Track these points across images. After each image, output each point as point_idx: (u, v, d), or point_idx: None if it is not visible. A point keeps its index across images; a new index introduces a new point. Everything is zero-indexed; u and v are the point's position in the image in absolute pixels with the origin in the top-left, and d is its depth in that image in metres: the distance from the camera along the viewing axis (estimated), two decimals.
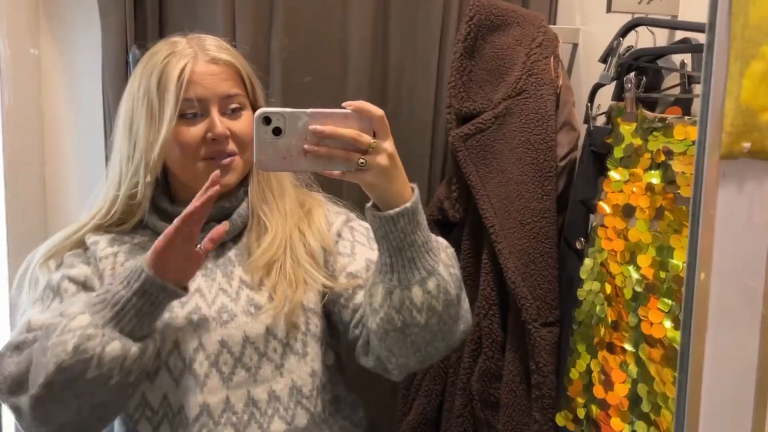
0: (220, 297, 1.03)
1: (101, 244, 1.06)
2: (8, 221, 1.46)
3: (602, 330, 1.02)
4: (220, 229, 0.95)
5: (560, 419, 1.14)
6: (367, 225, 1.11)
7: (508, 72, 1.34)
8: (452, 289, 0.89)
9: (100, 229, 1.08)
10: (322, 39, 1.44)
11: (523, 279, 1.26)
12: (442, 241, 0.95)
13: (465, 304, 0.95)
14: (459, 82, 1.34)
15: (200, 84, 1.00)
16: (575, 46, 1.46)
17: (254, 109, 1.05)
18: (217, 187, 0.88)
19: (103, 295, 0.92)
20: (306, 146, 0.82)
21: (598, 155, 1.18)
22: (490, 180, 1.31)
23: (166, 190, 1.08)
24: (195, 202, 0.88)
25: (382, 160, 0.83)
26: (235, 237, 1.07)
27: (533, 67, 1.32)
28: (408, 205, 0.85)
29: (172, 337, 1.00)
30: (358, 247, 1.08)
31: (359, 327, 1.01)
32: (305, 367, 1.04)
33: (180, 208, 0.99)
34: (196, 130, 1.00)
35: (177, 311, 1.01)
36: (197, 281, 1.04)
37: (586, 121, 1.25)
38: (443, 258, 0.91)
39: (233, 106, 1.03)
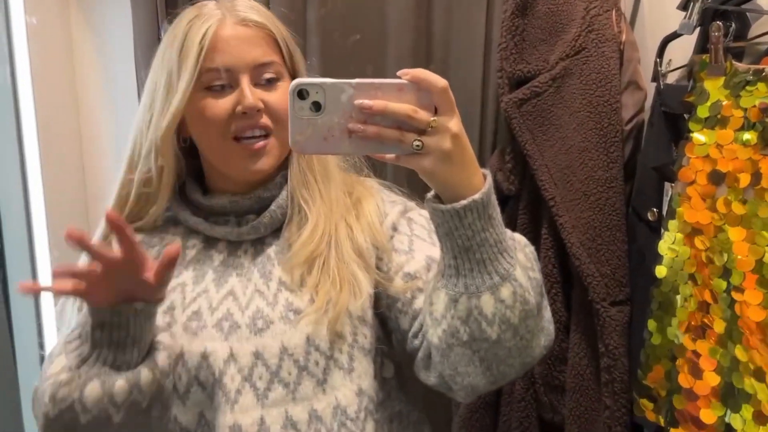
0: (255, 300, 0.89)
1: None
2: (48, 206, 1.42)
3: (687, 312, 0.92)
4: (172, 250, 0.76)
5: (638, 409, 1.05)
6: (428, 215, 0.99)
7: (565, 29, 1.22)
8: (531, 297, 0.74)
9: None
10: (361, 4, 1.34)
11: (588, 255, 1.16)
12: (519, 239, 0.79)
13: (546, 313, 0.80)
14: (511, 43, 1.23)
15: (227, 51, 0.87)
16: None
17: (293, 80, 0.96)
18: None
19: (76, 330, 0.82)
20: (350, 125, 0.68)
21: (670, 116, 1.07)
22: (549, 148, 1.21)
23: (199, 179, 0.97)
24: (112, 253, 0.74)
25: (443, 142, 0.68)
26: (275, 231, 0.94)
27: (593, 23, 1.20)
28: (477, 196, 0.70)
29: (200, 348, 0.87)
30: (417, 243, 0.92)
31: (419, 337, 0.87)
32: (351, 384, 0.88)
33: (212, 201, 0.92)
34: (223, 103, 0.87)
35: (206, 318, 0.89)
36: (231, 282, 0.92)
37: (655, 79, 1.14)
38: (521, 259, 0.75)
39: (268, 75, 0.89)
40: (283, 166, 0.94)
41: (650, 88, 1.19)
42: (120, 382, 0.79)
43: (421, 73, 0.67)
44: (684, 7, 1.03)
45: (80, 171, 1.53)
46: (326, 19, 1.33)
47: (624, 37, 1.22)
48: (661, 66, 1.12)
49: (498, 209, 0.73)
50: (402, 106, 0.67)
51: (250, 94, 0.86)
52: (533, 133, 1.22)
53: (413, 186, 1.04)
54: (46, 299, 1.49)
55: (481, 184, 0.71)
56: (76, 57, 1.48)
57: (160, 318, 0.87)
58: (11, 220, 1.46)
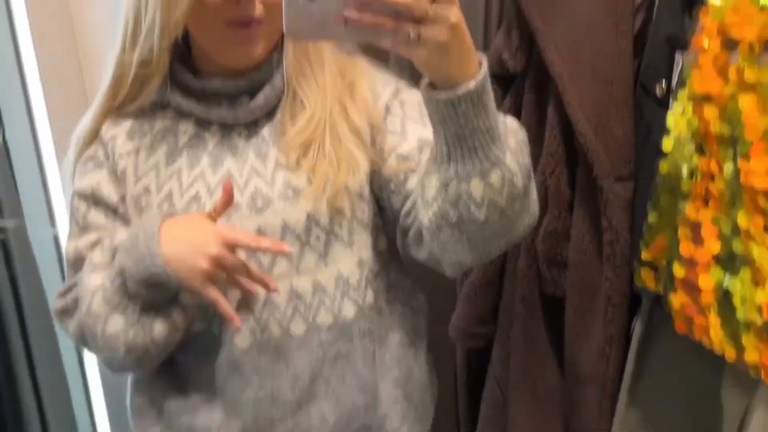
0: (253, 180, 0.92)
1: (119, 140, 0.95)
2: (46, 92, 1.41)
3: (692, 183, 0.93)
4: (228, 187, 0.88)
5: (638, 279, 1.09)
6: (419, 97, 0.98)
7: None
8: (519, 180, 0.77)
9: (115, 113, 0.96)
10: None
11: (595, 132, 1.16)
12: (511, 124, 0.81)
13: (532, 195, 0.83)
14: None
15: None
16: None
17: None
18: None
19: (119, 289, 0.87)
20: (346, 12, 0.67)
21: None
22: (557, 23, 1.18)
23: (187, 62, 0.95)
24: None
25: (440, 33, 0.67)
26: (268, 113, 0.95)
27: None
28: (472, 86, 0.70)
29: None
30: (409, 125, 0.94)
31: (410, 216, 0.90)
32: (352, 256, 0.94)
33: (204, 83, 0.91)
34: None
35: (205, 201, 0.91)
36: (227, 164, 0.93)
37: None
38: (511, 144, 0.77)
39: None
40: (276, 49, 0.93)
41: None
42: (175, 312, 0.89)
43: None
44: None
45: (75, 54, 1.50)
46: None
47: None
48: None
49: (492, 96, 0.74)
50: None
51: None
52: (540, 7, 1.18)
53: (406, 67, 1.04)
54: None
55: (476, 71, 0.71)
56: None
57: (159, 209, 0.91)
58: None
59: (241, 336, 0.92)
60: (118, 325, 0.86)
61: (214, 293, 0.83)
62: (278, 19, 0.84)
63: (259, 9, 0.86)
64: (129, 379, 1.07)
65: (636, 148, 1.16)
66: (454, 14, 0.67)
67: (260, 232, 0.90)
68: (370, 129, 0.94)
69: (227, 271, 0.83)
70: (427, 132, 0.88)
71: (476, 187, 0.74)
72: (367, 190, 0.94)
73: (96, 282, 0.88)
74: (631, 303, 1.20)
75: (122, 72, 0.92)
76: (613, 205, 1.17)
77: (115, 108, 0.96)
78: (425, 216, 0.80)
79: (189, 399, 0.99)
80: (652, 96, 1.12)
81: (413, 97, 0.96)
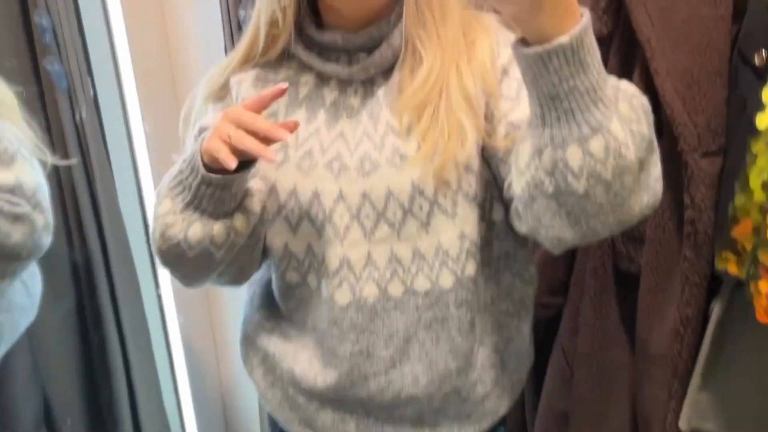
0: (364, 143, 0.92)
1: (244, 85, 0.99)
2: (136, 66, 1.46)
3: None
4: (275, 91, 0.84)
5: (720, 261, 1.03)
6: None
7: None
8: (631, 152, 0.68)
9: (247, 63, 1.00)
10: None
11: (683, 103, 1.09)
12: (626, 88, 0.72)
13: (655, 170, 0.74)
14: None
15: None
16: None
17: None
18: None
19: (178, 176, 0.89)
20: None
21: None
22: None
23: (313, 14, 0.96)
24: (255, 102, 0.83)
25: None
26: (385, 72, 0.93)
27: None
28: (565, 39, 0.63)
29: (312, 187, 0.93)
30: (524, 91, 0.83)
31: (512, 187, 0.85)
32: (454, 227, 0.91)
33: (326, 36, 0.92)
34: None
35: (317, 158, 0.93)
36: (341, 123, 0.94)
37: None
38: (623, 110, 0.69)
39: None
40: (397, 3, 0.91)
41: None
42: (218, 227, 0.88)
43: None
44: None
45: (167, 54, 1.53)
46: None
47: None
48: None
49: (596, 54, 0.66)
50: None
51: None
52: None
53: None
54: None
55: (573, 24, 0.64)
56: None
57: (273, 154, 0.89)
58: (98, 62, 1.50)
59: (341, 292, 0.94)
60: (165, 207, 0.90)
61: (218, 144, 0.82)
62: None
63: None
64: (240, 319, 1.14)
65: (728, 121, 1.08)
66: None
67: (365, 195, 0.91)
68: (484, 96, 0.90)
69: (236, 126, 0.82)
70: None
71: (573, 155, 0.67)
72: (476, 162, 0.91)
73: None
74: (711, 285, 1.14)
75: (255, 33, 0.96)
76: (698, 181, 1.10)
77: (249, 61, 1.00)
78: (518, 185, 0.76)
79: (290, 346, 1.04)
80: (750, 65, 1.04)
81: None
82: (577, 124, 0.67)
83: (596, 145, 0.67)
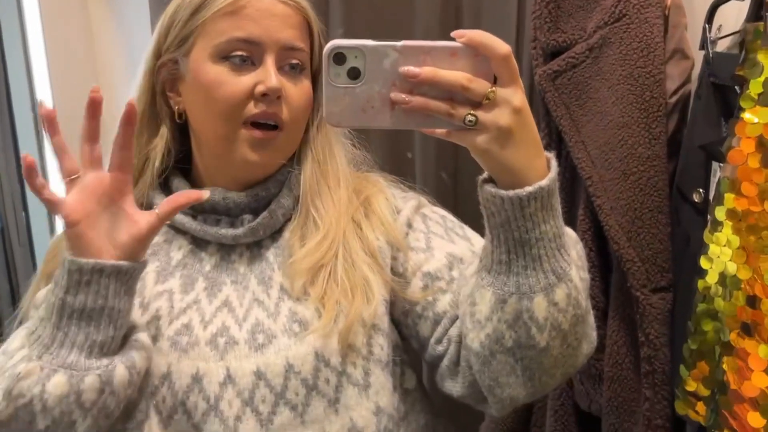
0: (254, 311, 0.79)
1: None
2: None
3: (735, 307, 0.85)
4: (194, 194, 0.72)
5: (680, 407, 0.99)
6: (443, 212, 0.88)
7: None
8: (583, 299, 0.66)
9: None
10: None
11: (628, 238, 1.09)
12: (570, 233, 0.70)
13: (591, 318, 0.71)
14: (545, 11, 1.15)
15: (259, 22, 0.77)
16: None
17: (314, 78, 0.84)
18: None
19: (40, 314, 0.70)
20: (393, 95, 0.59)
21: (720, 88, 0.98)
22: (586, 124, 1.13)
23: (186, 173, 0.86)
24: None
25: (502, 116, 0.59)
26: (274, 233, 0.84)
27: None
28: (545, 183, 0.61)
29: (191, 369, 0.76)
30: (435, 240, 0.83)
31: (444, 343, 0.79)
32: (367, 402, 0.78)
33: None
34: (242, 80, 0.77)
35: (198, 333, 0.78)
36: (225, 291, 0.81)
37: (703, 47, 1.04)
38: (574, 257, 0.67)
39: (293, 61, 0.80)
40: (289, 162, 0.85)
41: (698, 57, 1.09)
42: (90, 378, 0.68)
43: (480, 35, 0.58)
44: None
45: None
46: None
47: (669, 1, 1.12)
48: (710, 32, 1.02)
49: (559, 199, 0.65)
50: (454, 74, 0.58)
51: (274, 74, 0.77)
52: (569, 107, 1.14)
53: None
54: None
55: (543, 168, 0.62)
56: (93, 22, 1.45)
57: (144, 329, 0.78)
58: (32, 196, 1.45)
59: None
60: (18, 356, 0.69)
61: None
62: (295, 131, 0.81)
63: (286, 113, 0.79)
64: None
65: (674, 257, 1.09)
66: (518, 97, 0.59)
67: (259, 374, 0.76)
68: (389, 248, 0.83)
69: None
70: (455, 248, 0.82)
71: (539, 305, 0.64)
72: (385, 321, 0.81)
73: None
74: (675, 426, 1.09)
75: None
76: (650, 317, 1.08)
77: None
78: (476, 339, 0.69)
79: None
80: (689, 202, 1.05)
81: (435, 213, 0.88)
82: (544, 272, 0.64)
83: (560, 294, 0.64)
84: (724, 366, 0.85)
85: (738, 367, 0.82)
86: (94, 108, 0.67)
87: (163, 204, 0.71)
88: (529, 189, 0.61)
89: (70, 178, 0.68)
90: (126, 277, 0.70)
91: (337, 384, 0.77)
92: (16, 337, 0.73)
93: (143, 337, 0.75)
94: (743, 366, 0.81)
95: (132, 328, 0.75)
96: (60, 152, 0.68)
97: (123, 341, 0.73)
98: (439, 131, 0.61)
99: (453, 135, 0.61)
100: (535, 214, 0.62)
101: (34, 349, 0.69)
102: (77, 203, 0.68)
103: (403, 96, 0.59)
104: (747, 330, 0.82)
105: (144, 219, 0.71)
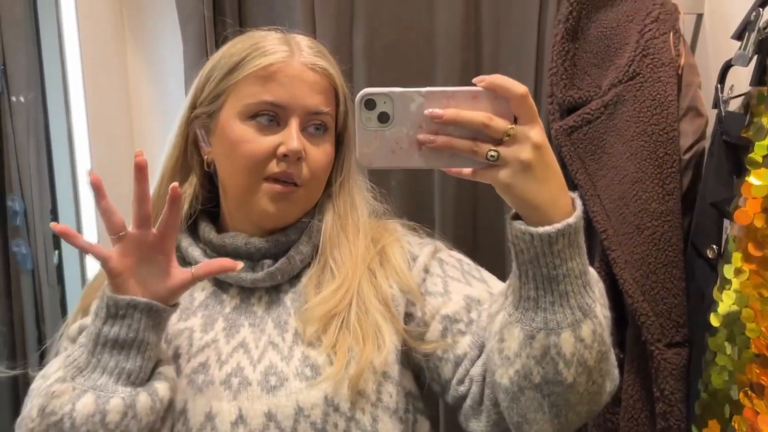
0: (268, 354, 0.82)
1: None
2: (101, 238, 1.47)
3: (745, 366, 0.85)
4: (228, 264, 0.76)
5: None
6: (459, 256, 0.90)
7: (618, 54, 1.16)
8: (606, 336, 0.69)
9: None
10: (408, 30, 1.33)
11: (642, 293, 1.09)
12: (593, 272, 0.72)
13: (613, 356, 0.73)
14: (561, 68, 1.18)
15: (287, 87, 0.82)
16: (700, 16, 1.26)
17: (338, 140, 0.89)
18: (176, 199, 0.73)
19: (80, 340, 0.76)
20: (420, 136, 0.63)
21: (732, 146, 0.99)
22: (601, 178, 1.15)
23: (210, 216, 0.90)
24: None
25: (522, 151, 0.62)
26: (293, 278, 0.88)
27: (648, 46, 1.14)
28: (572, 220, 0.64)
29: (205, 407, 0.79)
30: (452, 284, 0.85)
31: (465, 383, 0.80)
32: None
33: (227, 240, 0.86)
34: (266, 140, 0.82)
35: (214, 372, 0.81)
36: (242, 333, 0.84)
37: (716, 105, 1.06)
38: (597, 294, 0.69)
39: (316, 123, 0.84)
40: (308, 213, 0.89)
41: (712, 115, 1.11)
42: (115, 400, 0.72)
43: (498, 78, 0.62)
44: (738, 36, 0.95)
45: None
46: (373, 46, 1.32)
47: (683, 61, 1.15)
48: (722, 92, 1.04)
49: (584, 237, 0.67)
50: (476, 114, 0.62)
51: (297, 137, 0.82)
52: (584, 162, 1.17)
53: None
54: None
55: (568, 205, 0.65)
56: (131, 87, 1.53)
57: (170, 362, 0.82)
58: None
59: None
60: (53, 377, 0.75)
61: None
62: (315, 188, 0.85)
63: (305, 172, 0.83)
64: None
65: (689, 312, 1.09)
66: (537, 133, 0.62)
67: (270, 416, 0.78)
68: (402, 296, 0.85)
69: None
70: (472, 290, 0.84)
71: (566, 341, 0.65)
72: (395, 370, 0.82)
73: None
74: None
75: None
76: (665, 372, 1.08)
77: None
78: (504, 375, 0.70)
79: None
80: (703, 258, 1.06)
81: (452, 257, 0.90)
82: (571, 308, 0.66)
83: (587, 330, 0.66)
84: (735, 425, 0.85)
85: (748, 426, 0.82)
86: (140, 172, 0.72)
87: (200, 266, 0.76)
88: (557, 226, 0.63)
89: (118, 235, 0.73)
90: (156, 314, 0.74)
91: (345, 429, 0.78)
92: (55, 362, 0.78)
93: (168, 370, 0.79)
94: (753, 426, 0.81)
95: (159, 362, 0.79)
96: (107, 214, 0.73)
97: (150, 374, 0.77)
98: (465, 171, 0.65)
99: (478, 173, 0.65)
100: (563, 251, 0.64)
101: (68, 370, 0.74)
102: (122, 257, 0.73)
103: (429, 136, 0.63)
104: (756, 389, 0.82)
105: (179, 276, 0.75)
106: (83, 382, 0.73)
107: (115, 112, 1.51)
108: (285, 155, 0.81)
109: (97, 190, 0.72)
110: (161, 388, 0.76)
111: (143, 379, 0.75)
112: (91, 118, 1.43)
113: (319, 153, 0.85)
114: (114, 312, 0.73)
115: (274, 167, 0.82)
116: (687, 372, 1.08)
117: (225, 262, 0.78)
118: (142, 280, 0.74)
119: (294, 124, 0.82)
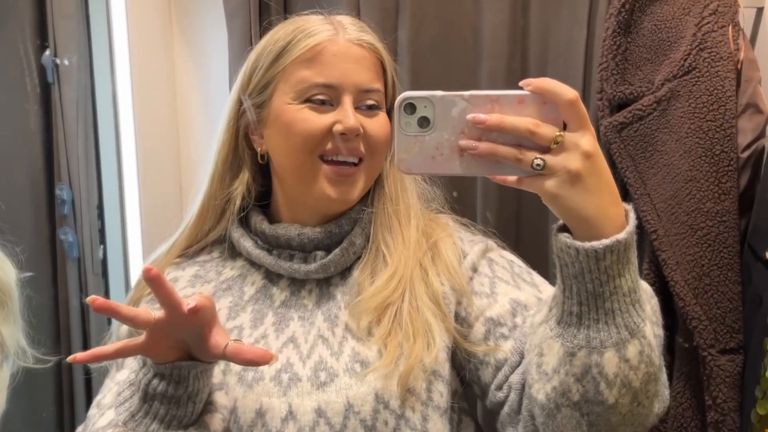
0: (318, 348, 0.80)
1: (180, 283, 0.87)
2: (145, 232, 1.49)
3: None
4: (265, 358, 0.66)
5: None
6: (511, 257, 0.88)
7: (673, 48, 1.12)
8: (656, 357, 0.64)
9: (185, 254, 0.90)
10: (453, 26, 1.31)
11: (695, 296, 1.05)
12: (646, 288, 0.68)
13: (663, 376, 0.68)
14: (612, 63, 1.15)
15: (336, 66, 0.80)
16: (760, 10, 1.21)
17: (389, 114, 0.86)
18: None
19: (132, 380, 0.73)
20: (462, 142, 0.60)
21: None
22: (652, 177, 1.11)
23: (263, 208, 0.89)
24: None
25: (571, 161, 0.58)
26: (344, 271, 0.85)
27: (705, 40, 1.09)
28: (622, 236, 0.59)
29: (255, 404, 0.77)
30: (499, 286, 0.82)
31: (504, 389, 0.77)
32: None
33: (280, 231, 0.84)
34: (322, 119, 0.80)
35: (263, 368, 0.79)
36: (292, 327, 0.83)
37: None
38: (648, 312, 0.65)
39: (370, 102, 0.82)
40: (362, 200, 0.87)
41: None
42: None
43: (546, 82, 0.58)
44: None
45: (177, 186, 1.58)
46: (418, 40, 1.30)
47: (742, 56, 1.10)
48: None
49: (636, 252, 0.62)
50: (521, 120, 0.58)
51: (352, 115, 0.80)
52: (635, 159, 1.13)
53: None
54: None
55: (620, 218, 0.60)
56: (178, 83, 1.55)
57: (219, 387, 0.80)
58: (110, 230, 1.53)
59: None
60: (105, 419, 0.74)
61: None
62: (375, 161, 0.83)
63: (365, 147, 0.82)
64: None
65: (745, 317, 1.04)
66: (588, 141, 0.58)
67: (320, 412, 0.76)
68: (453, 294, 0.82)
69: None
70: (520, 294, 0.81)
71: (610, 361, 0.61)
72: (446, 368, 0.80)
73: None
74: None
75: (202, 214, 0.89)
76: (718, 380, 1.03)
77: (191, 250, 0.90)
78: (541, 390, 0.66)
79: None
80: (761, 261, 1.01)
81: (503, 258, 0.87)
82: (617, 327, 0.62)
83: (633, 350, 0.62)
84: None
85: None
86: (156, 285, 0.65)
87: (236, 347, 0.68)
88: (606, 242, 0.59)
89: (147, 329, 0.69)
90: (201, 368, 0.71)
91: (395, 427, 0.76)
92: (108, 393, 0.78)
93: (220, 397, 0.77)
94: None
95: (210, 392, 0.77)
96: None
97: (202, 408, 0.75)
98: (510, 179, 0.61)
99: (523, 182, 0.60)
100: (611, 268, 0.60)
101: (121, 414, 0.72)
102: (157, 345, 0.69)
103: (472, 142, 0.60)
104: None
105: (221, 346, 0.68)
106: (135, 427, 0.71)
107: (161, 105, 1.53)
108: (342, 134, 0.80)
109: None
110: (215, 421, 0.74)
111: (194, 419, 0.73)
112: (137, 112, 1.45)
113: (377, 125, 0.83)
114: (161, 374, 0.70)
115: (331, 146, 0.81)
116: (741, 380, 1.03)
117: (261, 354, 0.67)
118: (185, 345, 0.70)
119: (348, 102, 0.81)
